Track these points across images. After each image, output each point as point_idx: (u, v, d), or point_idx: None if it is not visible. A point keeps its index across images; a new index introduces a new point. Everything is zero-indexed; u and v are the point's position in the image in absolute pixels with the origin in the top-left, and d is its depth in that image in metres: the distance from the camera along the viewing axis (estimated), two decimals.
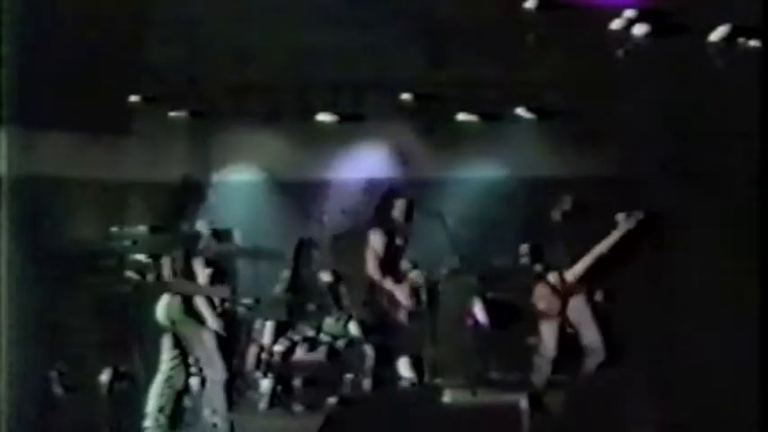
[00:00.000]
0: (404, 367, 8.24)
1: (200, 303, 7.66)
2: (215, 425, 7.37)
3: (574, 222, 8.48)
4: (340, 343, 8.61)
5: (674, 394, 7.46)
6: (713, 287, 8.25)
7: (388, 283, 8.31)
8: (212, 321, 7.66)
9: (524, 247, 8.54)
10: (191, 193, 7.89)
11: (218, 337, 7.59)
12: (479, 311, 8.74)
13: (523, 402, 7.37)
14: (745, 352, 7.26)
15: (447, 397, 8.04)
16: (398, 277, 8.35)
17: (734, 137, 7.98)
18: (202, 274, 7.70)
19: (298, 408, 8.09)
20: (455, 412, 7.80)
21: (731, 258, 8.00)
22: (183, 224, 7.84)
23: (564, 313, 8.25)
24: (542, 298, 8.29)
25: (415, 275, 8.41)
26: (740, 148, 7.67)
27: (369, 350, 8.49)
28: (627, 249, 8.01)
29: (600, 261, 8.06)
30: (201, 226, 7.93)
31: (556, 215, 8.41)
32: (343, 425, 7.62)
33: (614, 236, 8.00)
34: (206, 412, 7.50)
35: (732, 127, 8.10)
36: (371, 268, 8.35)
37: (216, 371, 7.52)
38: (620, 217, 8.05)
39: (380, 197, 8.57)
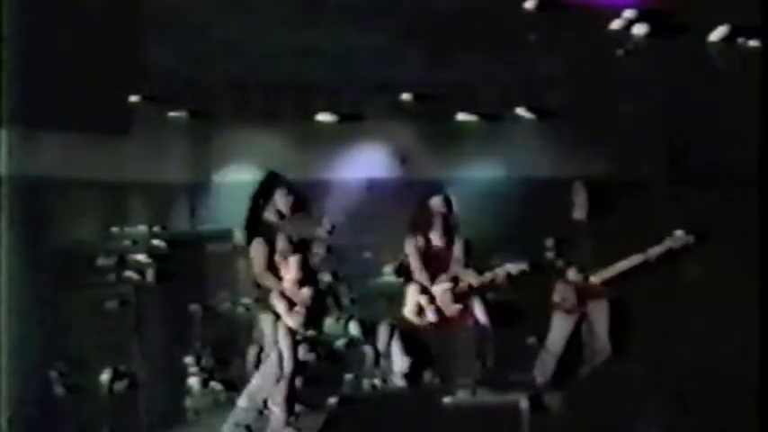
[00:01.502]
0: (401, 364, 8.25)
1: (276, 299, 7.67)
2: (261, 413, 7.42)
3: (574, 222, 8.49)
4: (340, 343, 8.62)
5: (673, 394, 7.45)
6: (713, 287, 8.24)
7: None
8: (288, 318, 7.67)
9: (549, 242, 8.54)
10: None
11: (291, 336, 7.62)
12: (479, 311, 8.74)
13: (523, 402, 7.35)
14: (745, 352, 7.26)
15: (447, 397, 8.04)
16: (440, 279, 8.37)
17: (734, 137, 7.97)
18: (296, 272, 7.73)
19: (298, 408, 8.08)
20: (455, 412, 7.79)
21: (731, 259, 8.00)
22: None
23: (581, 312, 8.25)
24: (559, 292, 8.28)
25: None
26: (740, 148, 7.66)
27: (368, 350, 8.50)
28: (661, 265, 7.99)
29: (631, 270, 8.04)
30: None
31: (579, 214, 8.40)
32: (343, 425, 7.61)
33: (655, 251, 7.96)
34: (243, 401, 7.53)
35: (732, 127, 8.09)
36: (417, 272, 8.37)
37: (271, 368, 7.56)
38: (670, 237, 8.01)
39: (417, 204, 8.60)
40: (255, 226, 7.90)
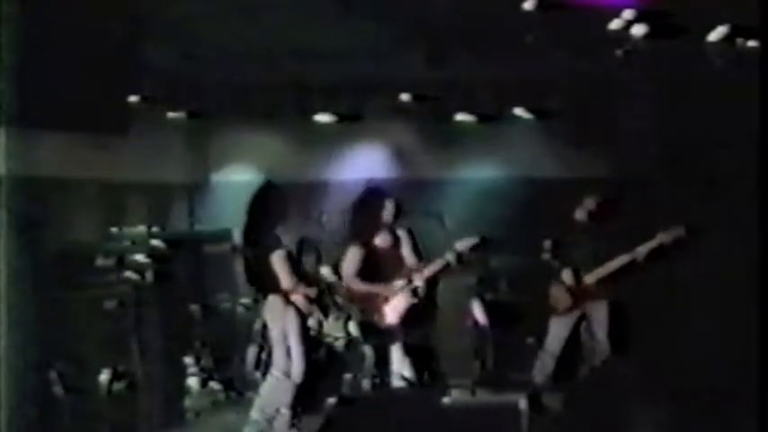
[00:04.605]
0: (401, 366, 8.23)
1: (302, 302, 7.76)
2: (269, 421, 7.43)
3: (573, 222, 8.50)
4: (340, 343, 8.61)
5: (673, 394, 7.47)
6: (713, 287, 8.27)
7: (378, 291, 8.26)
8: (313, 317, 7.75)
9: (547, 243, 8.49)
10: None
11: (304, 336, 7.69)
12: (478, 312, 8.75)
13: (523, 402, 7.35)
14: (745, 352, 7.26)
15: (447, 397, 8.04)
16: (394, 278, 8.29)
17: (733, 137, 7.99)
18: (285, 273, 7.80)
19: (298, 408, 8.08)
20: (455, 412, 7.80)
21: (731, 258, 8.01)
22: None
23: (578, 313, 8.26)
24: (554, 295, 8.29)
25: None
26: (740, 148, 7.67)
27: (368, 350, 8.50)
28: (654, 261, 7.98)
29: (624, 268, 8.03)
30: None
31: (581, 215, 8.38)
32: (343, 425, 7.61)
33: (647, 246, 7.96)
34: (255, 414, 7.55)
35: (731, 127, 8.11)
36: (347, 278, 8.27)
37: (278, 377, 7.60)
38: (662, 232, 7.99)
39: (359, 200, 8.47)
40: (253, 237, 7.91)
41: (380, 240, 8.38)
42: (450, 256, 8.15)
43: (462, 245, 8.14)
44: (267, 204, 7.85)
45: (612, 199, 8.22)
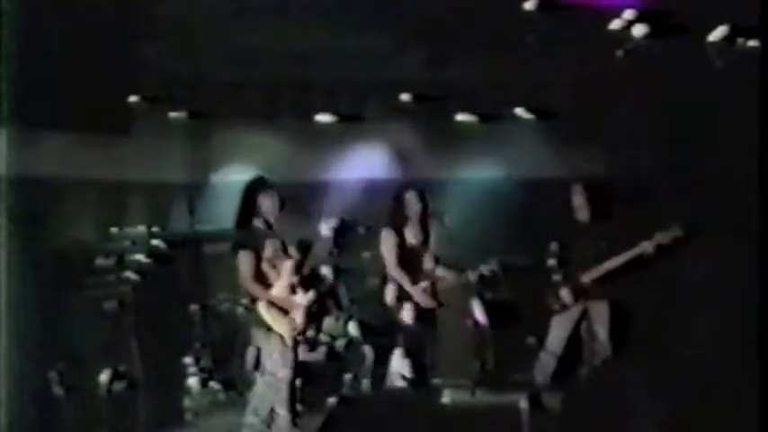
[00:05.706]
0: (401, 366, 8.24)
1: (264, 309, 7.69)
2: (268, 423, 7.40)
3: (573, 223, 8.49)
4: (340, 343, 8.63)
5: (673, 394, 7.46)
6: (713, 287, 8.27)
7: (406, 284, 8.23)
8: (279, 326, 7.68)
9: (554, 245, 8.45)
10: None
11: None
12: (478, 312, 8.76)
13: (523, 402, 7.36)
14: (745, 352, 7.27)
15: (447, 397, 8.05)
16: (417, 277, 8.24)
17: (733, 137, 7.99)
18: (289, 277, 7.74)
19: (298, 408, 8.09)
20: (455, 412, 7.80)
21: (731, 259, 8.01)
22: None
23: (578, 313, 8.26)
24: (554, 294, 8.30)
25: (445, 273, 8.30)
26: (740, 148, 7.67)
27: (368, 350, 8.51)
28: (653, 260, 7.98)
29: (623, 267, 8.02)
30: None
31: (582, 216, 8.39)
32: (343, 425, 7.61)
33: (644, 246, 7.95)
34: (249, 417, 7.53)
35: (731, 127, 8.11)
36: (391, 267, 8.25)
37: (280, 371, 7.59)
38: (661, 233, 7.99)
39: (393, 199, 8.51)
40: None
41: (411, 235, 8.35)
42: (472, 277, 8.23)
43: (487, 269, 8.22)
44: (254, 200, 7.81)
45: (608, 198, 8.23)
